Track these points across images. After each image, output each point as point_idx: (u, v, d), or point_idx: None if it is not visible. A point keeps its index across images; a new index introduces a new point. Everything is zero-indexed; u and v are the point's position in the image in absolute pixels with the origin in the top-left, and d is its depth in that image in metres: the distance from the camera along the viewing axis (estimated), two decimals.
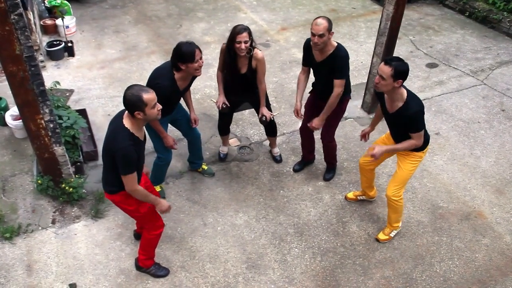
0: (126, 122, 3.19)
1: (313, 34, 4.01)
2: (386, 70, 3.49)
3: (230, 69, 4.44)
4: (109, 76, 6.64)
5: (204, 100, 6.20)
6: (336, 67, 4.18)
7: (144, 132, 3.43)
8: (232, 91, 4.64)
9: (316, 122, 4.48)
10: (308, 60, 4.42)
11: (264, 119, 4.69)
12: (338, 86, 4.22)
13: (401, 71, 3.49)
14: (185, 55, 3.77)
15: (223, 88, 4.61)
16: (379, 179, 5.07)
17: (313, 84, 4.59)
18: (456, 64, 7.22)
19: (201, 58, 3.84)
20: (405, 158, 4.02)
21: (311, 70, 4.51)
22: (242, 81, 4.50)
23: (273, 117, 4.81)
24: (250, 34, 4.17)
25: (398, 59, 3.57)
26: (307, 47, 4.34)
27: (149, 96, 3.09)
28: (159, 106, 3.21)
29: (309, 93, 4.72)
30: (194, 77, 4.17)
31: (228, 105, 4.63)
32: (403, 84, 3.63)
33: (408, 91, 3.70)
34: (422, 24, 8.38)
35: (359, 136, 4.44)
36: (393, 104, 3.72)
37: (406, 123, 3.70)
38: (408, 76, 3.60)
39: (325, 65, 4.22)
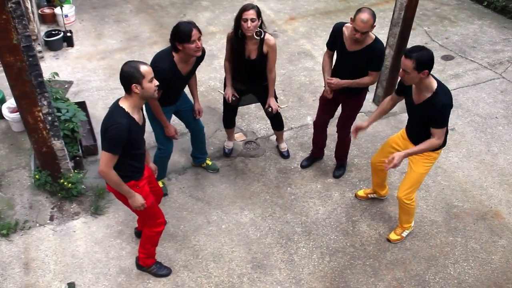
0: (123, 103, 3.22)
1: (356, 30, 3.93)
2: (407, 63, 3.43)
3: (238, 54, 4.36)
4: (109, 68, 6.65)
5: (209, 93, 6.20)
6: (374, 60, 4.17)
7: (144, 119, 3.44)
8: (239, 79, 4.58)
9: (334, 81, 4.31)
10: (335, 46, 4.34)
11: (270, 110, 4.66)
12: (373, 76, 4.25)
13: (424, 60, 3.41)
14: (181, 34, 3.76)
15: (231, 79, 4.59)
16: (391, 177, 5.06)
17: (334, 72, 4.44)
18: (473, 56, 7.17)
19: (199, 39, 3.80)
20: (418, 159, 3.96)
21: (335, 56, 4.43)
22: (250, 68, 4.43)
23: (280, 109, 4.78)
24: (258, 13, 4.11)
25: (420, 48, 3.47)
26: (338, 33, 4.25)
27: (146, 68, 3.14)
28: (156, 82, 3.22)
29: (324, 86, 4.69)
30: (197, 63, 4.16)
31: (238, 96, 4.61)
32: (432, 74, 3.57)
33: (439, 82, 3.62)
34: (438, 14, 8.32)
35: (353, 129, 4.26)
36: (421, 94, 3.64)
37: (431, 116, 3.61)
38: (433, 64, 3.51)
39: (359, 56, 4.16)
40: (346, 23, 4.23)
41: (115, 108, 3.23)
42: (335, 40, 4.30)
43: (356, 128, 4.22)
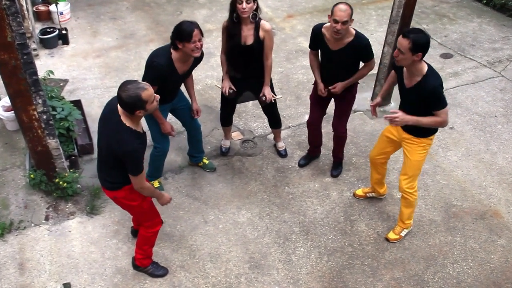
0: (126, 121, 3.16)
1: (335, 21, 3.97)
2: (404, 43, 3.46)
3: (234, 40, 4.36)
4: (105, 65, 6.64)
5: (206, 91, 6.19)
6: (362, 54, 4.25)
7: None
8: (236, 67, 4.56)
9: (339, 85, 4.39)
10: (317, 47, 4.39)
11: (264, 99, 4.63)
12: (370, 64, 4.34)
13: (420, 43, 3.44)
14: (182, 33, 3.77)
15: (227, 68, 4.58)
16: (390, 176, 5.06)
17: (323, 73, 4.51)
18: (472, 54, 7.19)
19: (200, 40, 3.81)
20: (411, 146, 3.99)
21: (320, 56, 4.48)
22: (247, 55, 4.42)
23: (274, 100, 4.72)
24: None
25: (418, 30, 3.52)
26: (317, 34, 4.30)
27: (147, 92, 3.06)
28: (157, 97, 3.20)
29: (313, 84, 4.70)
30: (195, 63, 4.16)
31: (235, 89, 4.60)
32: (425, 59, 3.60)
33: (429, 66, 3.65)
34: (437, 12, 8.33)
35: (371, 107, 4.28)
36: (412, 78, 3.68)
37: (426, 99, 3.63)
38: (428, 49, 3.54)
39: (343, 54, 4.20)
40: (325, 23, 4.30)
41: (123, 130, 3.16)
42: (316, 41, 4.37)
43: (373, 106, 4.24)
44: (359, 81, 4.57)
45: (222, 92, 4.63)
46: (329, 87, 4.46)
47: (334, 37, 4.12)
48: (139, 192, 3.44)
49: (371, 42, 4.24)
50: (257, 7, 4.24)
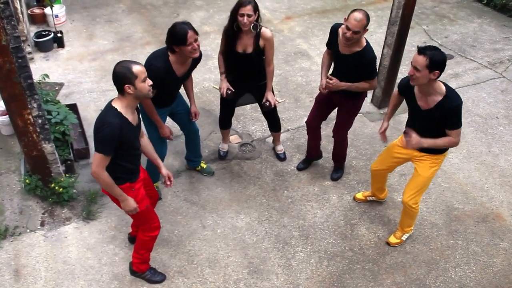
0: (116, 103, 3.23)
1: (348, 28, 3.95)
2: (420, 60, 3.38)
3: (233, 48, 4.38)
4: (101, 69, 6.65)
5: (204, 94, 6.20)
6: (365, 69, 4.18)
7: (139, 120, 3.44)
8: (235, 75, 4.59)
9: (334, 81, 4.28)
10: (331, 46, 4.37)
11: (267, 104, 4.63)
12: (369, 83, 4.27)
13: (437, 61, 3.37)
14: (176, 37, 3.78)
15: (224, 69, 4.59)
16: (390, 179, 5.07)
17: (332, 73, 4.45)
18: (473, 55, 7.21)
19: (196, 41, 3.80)
20: (425, 162, 3.93)
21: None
22: (246, 63, 4.45)
23: (277, 104, 4.72)
24: (255, 8, 4.13)
25: (434, 48, 3.44)
26: (334, 33, 4.28)
27: (139, 68, 3.15)
28: (150, 82, 3.23)
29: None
30: (194, 64, 4.17)
31: (233, 90, 4.59)
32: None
33: (447, 85, 3.59)
34: (437, 13, 8.36)
35: (380, 135, 4.23)
36: (429, 98, 3.58)
37: (446, 118, 3.55)
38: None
39: (349, 61, 4.19)
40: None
41: (108, 108, 3.24)
42: (331, 39, 4.34)
43: (382, 131, 4.18)
44: (366, 95, 4.57)
45: (220, 93, 4.64)
46: (328, 76, 4.35)
47: (343, 42, 4.11)
48: (97, 180, 3.34)
49: (370, 43, 4.24)
50: (258, 17, 4.24)
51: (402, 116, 5.79)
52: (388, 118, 4.21)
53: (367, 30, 4.03)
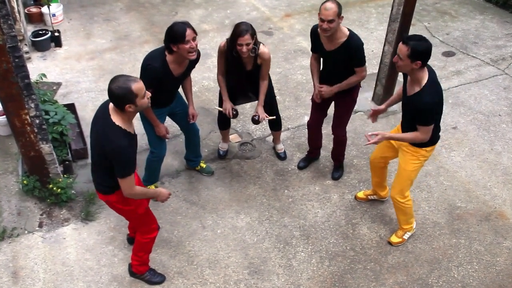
0: (116, 119, 3.14)
1: (321, 20, 3.99)
2: (403, 49, 3.47)
3: (234, 67, 4.45)
4: (99, 68, 6.65)
5: (202, 93, 6.20)
6: (353, 57, 4.20)
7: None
8: (239, 92, 4.70)
9: (325, 89, 4.41)
10: (316, 48, 4.41)
11: (256, 118, 4.67)
12: (361, 72, 4.29)
13: (419, 51, 3.43)
14: (175, 35, 3.77)
15: (227, 93, 4.62)
16: (391, 178, 5.06)
17: (322, 74, 4.54)
18: (475, 52, 7.21)
19: (194, 40, 3.80)
20: (406, 155, 3.99)
21: (321, 58, 4.51)
22: (248, 78, 4.54)
23: (267, 119, 4.75)
24: (252, 35, 4.17)
25: (419, 38, 3.50)
26: (314, 34, 4.34)
27: (138, 85, 3.05)
28: (148, 94, 3.19)
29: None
30: (191, 65, 4.17)
31: (237, 109, 4.69)
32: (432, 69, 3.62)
33: (430, 77, 3.62)
34: (438, 9, 8.36)
35: (368, 116, 4.28)
36: (412, 87, 3.68)
37: (416, 111, 3.65)
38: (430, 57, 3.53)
39: (337, 55, 4.22)
40: None
41: (111, 128, 3.14)
42: (314, 42, 4.40)
43: (374, 111, 4.25)
44: (361, 85, 4.58)
45: (226, 114, 4.67)
46: (318, 86, 4.47)
47: (324, 36, 4.14)
48: (132, 197, 3.39)
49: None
50: (256, 41, 4.27)
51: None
52: (387, 104, 4.26)
53: (343, 17, 4.06)
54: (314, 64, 4.54)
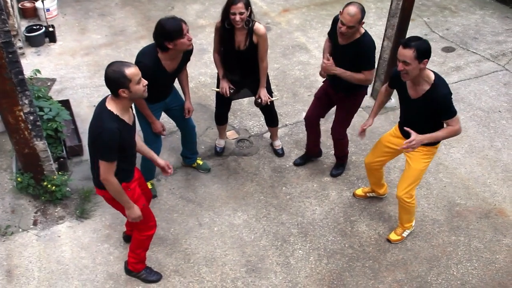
0: (110, 105, 3.19)
1: (342, 23, 3.95)
2: (407, 53, 3.43)
3: (227, 45, 4.40)
4: (94, 64, 6.64)
5: (199, 89, 6.19)
6: (361, 56, 4.14)
7: (134, 116, 3.43)
8: (231, 70, 4.60)
9: (331, 63, 4.20)
10: (332, 36, 4.36)
11: (260, 101, 4.66)
12: (366, 75, 4.22)
13: (424, 50, 3.43)
14: (172, 32, 3.77)
15: (224, 71, 4.59)
16: (391, 174, 5.08)
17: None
18: (475, 48, 7.21)
19: (188, 31, 3.82)
20: (416, 154, 3.95)
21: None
22: (241, 60, 4.47)
23: (270, 102, 4.75)
24: (247, 5, 4.14)
25: (416, 38, 3.50)
26: (334, 23, 4.26)
27: (132, 70, 3.09)
28: (145, 82, 3.21)
29: (322, 82, 4.71)
30: (185, 59, 4.16)
31: (234, 88, 4.62)
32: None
33: (435, 73, 3.64)
34: (438, 4, 8.36)
35: (359, 132, 4.25)
36: (418, 88, 3.64)
37: (436, 109, 3.60)
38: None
39: (347, 50, 4.17)
40: None
41: (103, 111, 3.19)
42: (333, 30, 4.32)
43: (362, 128, 4.22)
44: (366, 93, 4.57)
45: (221, 93, 4.63)
46: (326, 57, 4.30)
47: (339, 36, 4.11)
48: (106, 186, 3.34)
49: (370, 34, 4.22)
50: (251, 13, 4.24)
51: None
52: (374, 115, 4.24)
53: (363, 23, 4.02)
54: (328, 44, 4.49)
